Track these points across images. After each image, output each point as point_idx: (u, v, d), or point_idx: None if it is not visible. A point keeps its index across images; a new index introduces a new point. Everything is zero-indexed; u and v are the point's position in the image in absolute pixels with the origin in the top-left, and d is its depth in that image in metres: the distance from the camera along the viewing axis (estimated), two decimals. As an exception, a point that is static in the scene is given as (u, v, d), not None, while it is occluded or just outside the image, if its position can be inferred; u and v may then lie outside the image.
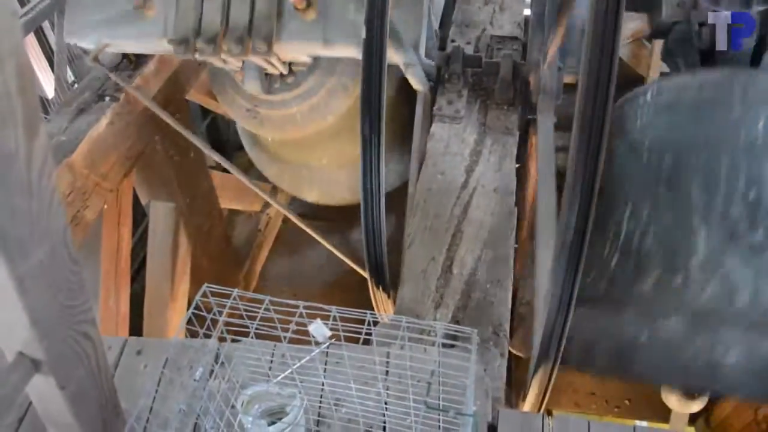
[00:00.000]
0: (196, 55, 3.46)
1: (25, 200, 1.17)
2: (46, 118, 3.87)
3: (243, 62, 3.69)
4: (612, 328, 2.58)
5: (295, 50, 3.59)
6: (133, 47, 3.82)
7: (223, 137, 6.60)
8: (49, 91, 5.03)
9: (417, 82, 3.56)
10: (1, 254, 1.19)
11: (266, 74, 3.81)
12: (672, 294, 2.52)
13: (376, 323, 1.97)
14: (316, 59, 3.80)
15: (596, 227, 2.91)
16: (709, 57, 3.01)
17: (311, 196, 4.98)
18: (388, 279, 2.88)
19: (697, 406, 2.81)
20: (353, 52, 3.36)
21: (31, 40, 5.11)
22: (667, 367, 2.48)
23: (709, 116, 2.75)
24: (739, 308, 2.41)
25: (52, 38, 5.12)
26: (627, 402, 4.83)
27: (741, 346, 2.36)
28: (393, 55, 3.32)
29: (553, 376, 2.33)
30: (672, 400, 2.84)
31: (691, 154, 2.71)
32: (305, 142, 4.30)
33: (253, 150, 4.97)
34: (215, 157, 4.18)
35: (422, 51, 3.57)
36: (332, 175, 4.73)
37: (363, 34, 2.55)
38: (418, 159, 3.43)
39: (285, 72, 3.76)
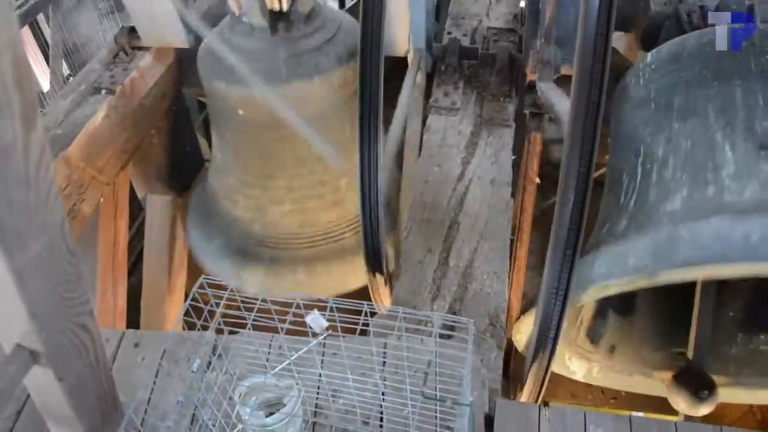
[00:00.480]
0: None
1: (22, 192, 1.18)
2: (41, 111, 3.86)
3: None
4: (644, 240, 2.43)
5: None
6: None
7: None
8: (45, 84, 5.02)
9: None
10: (-1, 247, 1.19)
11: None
12: (708, 202, 2.41)
13: (373, 314, 1.97)
14: (316, 17, 3.71)
15: (609, 188, 2.91)
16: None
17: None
18: (386, 267, 2.88)
19: (707, 408, 2.79)
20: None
21: (26, 33, 5.10)
22: (718, 250, 2.22)
23: (713, 53, 2.76)
24: None
25: (47, 31, 5.10)
26: (623, 393, 4.85)
27: None
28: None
29: (550, 366, 2.35)
30: (680, 402, 2.82)
31: (702, 87, 2.70)
32: (277, 130, 3.94)
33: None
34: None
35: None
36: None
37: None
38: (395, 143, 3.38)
39: (285, 8, 3.58)
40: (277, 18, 3.60)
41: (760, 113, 2.52)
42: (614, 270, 2.42)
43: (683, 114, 2.70)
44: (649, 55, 3.01)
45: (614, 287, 2.44)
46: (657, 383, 3.27)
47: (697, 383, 2.83)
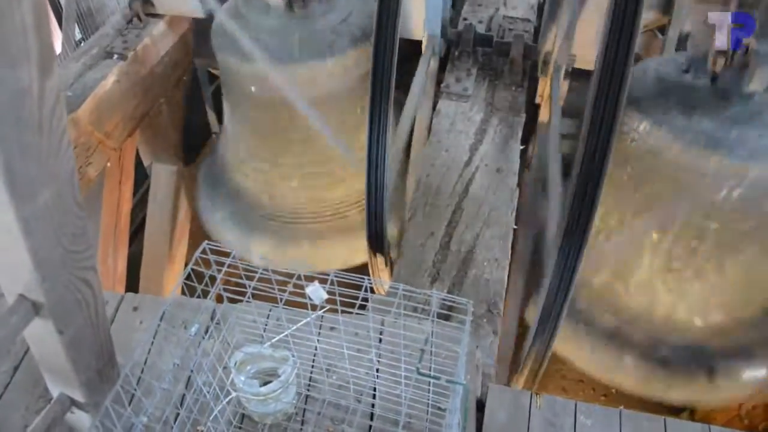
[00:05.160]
0: None
1: (35, 138, 1.18)
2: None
3: None
4: None
5: None
6: None
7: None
8: (56, 47, 5.00)
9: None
10: (8, 194, 1.19)
11: None
12: None
13: (373, 290, 1.98)
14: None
15: None
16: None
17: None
18: (387, 247, 2.89)
19: None
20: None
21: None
22: None
23: None
24: None
25: (61, -6, 5.08)
26: (614, 391, 4.87)
27: None
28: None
29: (549, 349, 2.36)
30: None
31: None
32: (288, 107, 3.87)
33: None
34: None
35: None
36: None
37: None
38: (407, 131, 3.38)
39: None
40: None
41: None
42: None
43: None
44: None
45: None
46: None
47: None
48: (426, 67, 3.47)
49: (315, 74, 3.65)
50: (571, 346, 3.32)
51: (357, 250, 3.57)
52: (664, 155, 2.87)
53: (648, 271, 3.18)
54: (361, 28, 3.64)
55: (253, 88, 3.76)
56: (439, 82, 3.65)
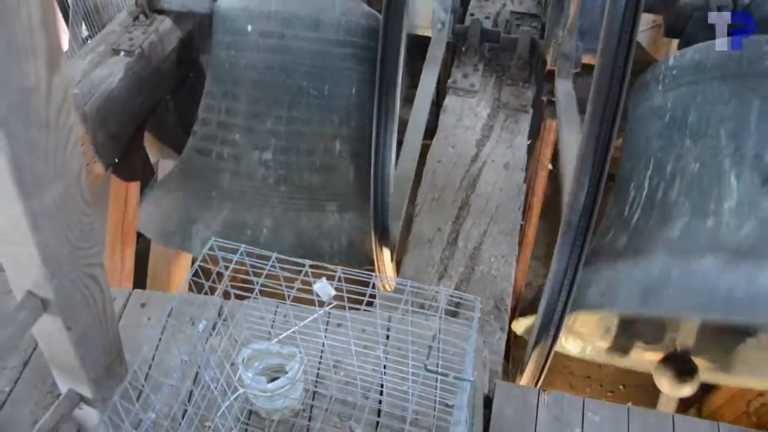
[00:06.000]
0: None
1: (42, 135, 1.18)
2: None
3: None
4: (637, 271, 2.50)
5: None
6: None
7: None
8: (63, 44, 5.01)
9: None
10: (16, 189, 1.20)
11: None
12: (704, 236, 2.44)
13: (381, 287, 1.98)
14: None
15: (617, 192, 2.91)
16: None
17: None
18: (392, 241, 2.89)
19: (688, 390, 2.84)
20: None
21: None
22: (703, 299, 2.33)
23: (736, 69, 2.67)
24: None
25: (68, -9, 5.09)
26: (621, 387, 4.88)
27: None
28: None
29: (553, 348, 2.35)
30: (664, 383, 2.86)
31: (718, 105, 2.65)
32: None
33: None
34: None
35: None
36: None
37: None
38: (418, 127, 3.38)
39: None
40: None
41: None
42: (604, 301, 2.53)
43: (696, 132, 2.66)
44: (671, 58, 2.97)
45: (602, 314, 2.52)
46: (647, 362, 3.32)
47: (680, 366, 2.88)
48: (434, 65, 3.46)
49: None
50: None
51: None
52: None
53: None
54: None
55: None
56: (446, 77, 3.64)
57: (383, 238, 2.81)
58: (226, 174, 3.59)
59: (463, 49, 3.64)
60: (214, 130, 3.67)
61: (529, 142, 3.29)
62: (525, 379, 2.55)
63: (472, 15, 3.96)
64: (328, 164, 3.53)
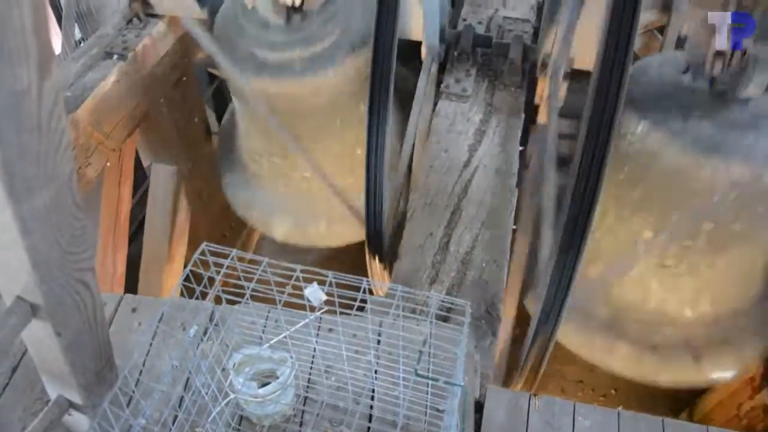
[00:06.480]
0: None
1: (33, 139, 1.17)
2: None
3: None
4: None
5: None
6: None
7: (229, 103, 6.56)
8: (56, 47, 4.99)
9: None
10: (6, 193, 1.19)
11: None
12: None
13: (372, 292, 1.98)
14: (330, 6, 3.71)
15: None
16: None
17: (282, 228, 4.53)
18: (386, 249, 2.90)
19: None
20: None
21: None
22: None
23: None
24: None
25: (60, -6, 5.07)
26: (613, 391, 4.88)
27: None
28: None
29: (550, 345, 2.36)
30: None
31: None
32: (297, 111, 3.98)
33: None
34: None
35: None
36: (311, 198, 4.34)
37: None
38: (414, 134, 3.41)
39: (298, 4, 3.60)
40: (291, 12, 3.63)
41: None
42: None
43: None
44: None
45: None
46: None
47: None
48: (427, 75, 3.49)
49: (317, 87, 3.70)
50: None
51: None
52: (661, 157, 2.88)
53: (642, 267, 3.24)
54: (360, 35, 3.66)
55: (255, 97, 3.80)
56: (439, 83, 3.65)
57: (377, 244, 2.83)
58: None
59: (456, 54, 3.65)
60: None
61: (521, 148, 3.30)
62: (522, 377, 2.56)
63: (464, 20, 3.97)
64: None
